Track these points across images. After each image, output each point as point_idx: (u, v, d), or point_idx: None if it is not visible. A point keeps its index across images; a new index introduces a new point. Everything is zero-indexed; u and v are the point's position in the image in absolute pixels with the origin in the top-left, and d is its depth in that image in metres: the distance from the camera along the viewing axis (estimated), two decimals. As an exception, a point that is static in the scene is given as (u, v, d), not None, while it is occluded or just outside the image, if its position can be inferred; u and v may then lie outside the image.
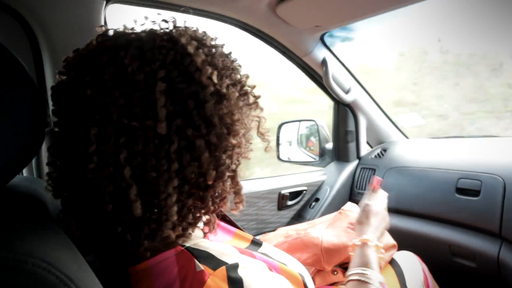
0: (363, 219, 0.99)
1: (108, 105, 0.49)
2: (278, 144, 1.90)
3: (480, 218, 1.26)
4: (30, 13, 0.97)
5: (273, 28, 1.39)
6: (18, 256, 0.38)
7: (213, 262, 0.51)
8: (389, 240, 1.16)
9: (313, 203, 1.72)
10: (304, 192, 1.72)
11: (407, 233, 1.47)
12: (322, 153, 1.85)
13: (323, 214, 1.62)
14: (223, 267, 0.51)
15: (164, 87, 0.49)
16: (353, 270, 0.85)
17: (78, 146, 0.51)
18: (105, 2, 1.03)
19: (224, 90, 0.54)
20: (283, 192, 1.63)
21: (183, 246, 0.54)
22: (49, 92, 1.02)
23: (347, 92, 1.63)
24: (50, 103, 1.02)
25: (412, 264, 1.16)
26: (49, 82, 1.03)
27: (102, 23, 1.04)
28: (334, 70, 1.57)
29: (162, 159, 0.49)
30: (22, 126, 0.49)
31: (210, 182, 0.54)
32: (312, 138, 1.95)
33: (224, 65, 0.57)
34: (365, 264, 0.86)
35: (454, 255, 1.35)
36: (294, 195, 1.69)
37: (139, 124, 0.48)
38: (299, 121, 1.94)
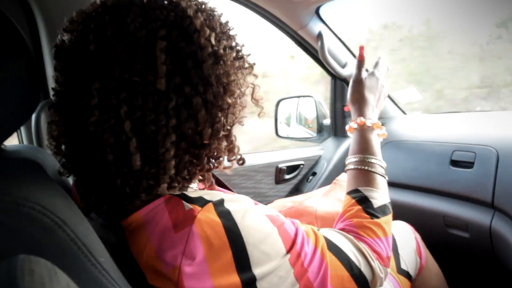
0: (356, 97, 0.89)
1: (110, 61, 0.51)
2: (276, 120, 1.90)
3: (473, 189, 1.28)
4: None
5: (267, 1, 1.39)
6: (15, 200, 0.40)
7: (200, 201, 0.54)
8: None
9: (310, 177, 1.75)
10: (301, 166, 1.74)
11: (403, 205, 1.49)
12: (320, 129, 1.86)
13: (320, 187, 1.64)
14: (210, 203, 0.54)
15: (164, 45, 0.52)
16: (351, 158, 0.82)
17: (80, 101, 0.53)
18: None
19: (222, 51, 0.57)
20: (280, 166, 1.65)
21: (171, 194, 0.56)
22: (46, 65, 1.04)
23: (343, 66, 1.63)
24: (49, 75, 1.05)
25: (405, 233, 1.19)
26: (46, 54, 1.05)
27: None
28: (330, 44, 1.57)
29: (160, 114, 0.52)
30: (17, 85, 0.51)
31: (206, 141, 0.57)
32: (311, 115, 1.96)
33: (222, 30, 0.60)
34: (364, 150, 0.82)
35: (448, 226, 1.38)
36: (291, 169, 1.71)
37: (140, 79, 0.51)
38: (298, 97, 1.95)
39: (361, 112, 0.87)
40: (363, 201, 0.76)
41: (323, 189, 1.30)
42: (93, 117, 0.52)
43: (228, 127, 0.61)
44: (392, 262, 1.07)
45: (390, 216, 0.77)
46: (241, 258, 0.52)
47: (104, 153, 0.53)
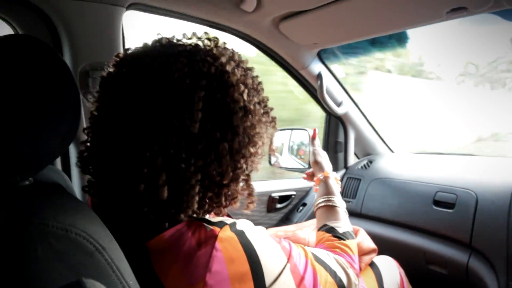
0: (318, 159, 1.18)
1: (153, 101, 0.58)
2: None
3: (453, 229, 1.36)
4: (55, 12, 1.04)
5: (274, 42, 1.49)
6: (64, 226, 0.45)
7: (218, 224, 0.61)
8: (370, 244, 1.24)
9: (301, 207, 1.81)
10: (293, 196, 1.80)
11: (387, 240, 1.55)
12: (312, 161, 1.93)
13: (310, 218, 1.70)
14: (226, 225, 0.61)
15: (203, 94, 0.58)
16: (320, 199, 1.01)
17: (118, 131, 0.59)
18: (125, 9, 1.11)
19: (252, 107, 0.64)
20: (273, 195, 1.72)
21: (191, 218, 0.62)
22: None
23: (339, 105, 1.73)
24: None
25: (390, 268, 1.23)
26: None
27: (121, 27, 1.12)
28: (328, 84, 1.67)
29: (190, 154, 0.58)
30: (66, 119, 0.57)
31: (226, 182, 0.63)
32: (303, 147, 2.03)
33: (254, 86, 0.67)
34: (330, 193, 1.02)
35: (428, 262, 1.44)
36: (283, 198, 1.77)
37: (177, 122, 0.57)
38: (291, 129, 2.02)
39: (323, 169, 1.14)
40: (330, 230, 0.90)
41: (314, 221, 1.35)
42: (129, 149, 0.58)
43: (247, 173, 0.68)
44: (377, 295, 1.13)
45: (354, 240, 0.91)
46: (256, 269, 0.59)
47: (135, 182, 0.58)
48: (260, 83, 0.69)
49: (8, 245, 0.42)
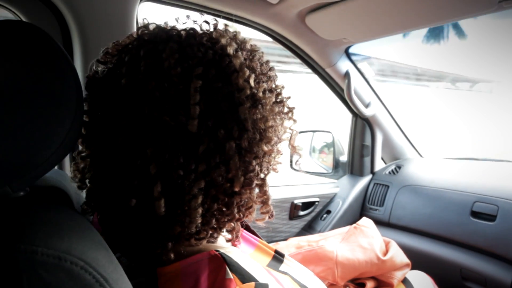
0: None
1: (141, 97, 0.48)
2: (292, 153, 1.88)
3: (494, 244, 1.26)
4: (65, 4, 0.97)
5: (300, 37, 1.39)
6: (57, 253, 0.37)
7: (244, 274, 0.49)
8: (403, 258, 1.16)
9: (325, 215, 1.71)
10: (316, 203, 1.70)
11: (418, 252, 1.46)
12: (336, 165, 1.84)
13: (334, 227, 1.61)
14: (252, 283, 0.48)
15: (199, 84, 0.48)
16: None
17: (107, 137, 0.50)
18: (139, 0, 1.03)
19: (260, 95, 0.53)
20: (295, 202, 1.61)
21: (217, 251, 0.52)
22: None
23: (367, 106, 1.63)
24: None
25: (424, 285, 1.15)
26: (79, 76, 1.03)
27: (135, 20, 1.04)
28: (356, 83, 1.57)
29: (190, 158, 0.48)
30: (65, 121, 0.49)
31: (237, 189, 0.52)
32: (326, 150, 1.94)
33: (262, 71, 0.56)
34: None
35: (464, 279, 1.34)
36: (306, 205, 1.67)
37: (170, 119, 0.48)
38: (314, 131, 1.93)
39: None
40: None
41: (340, 231, 1.27)
42: (119, 156, 0.49)
43: (262, 176, 0.56)
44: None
45: None
46: None
47: (127, 195, 0.49)
48: (270, 68, 0.58)
49: None
